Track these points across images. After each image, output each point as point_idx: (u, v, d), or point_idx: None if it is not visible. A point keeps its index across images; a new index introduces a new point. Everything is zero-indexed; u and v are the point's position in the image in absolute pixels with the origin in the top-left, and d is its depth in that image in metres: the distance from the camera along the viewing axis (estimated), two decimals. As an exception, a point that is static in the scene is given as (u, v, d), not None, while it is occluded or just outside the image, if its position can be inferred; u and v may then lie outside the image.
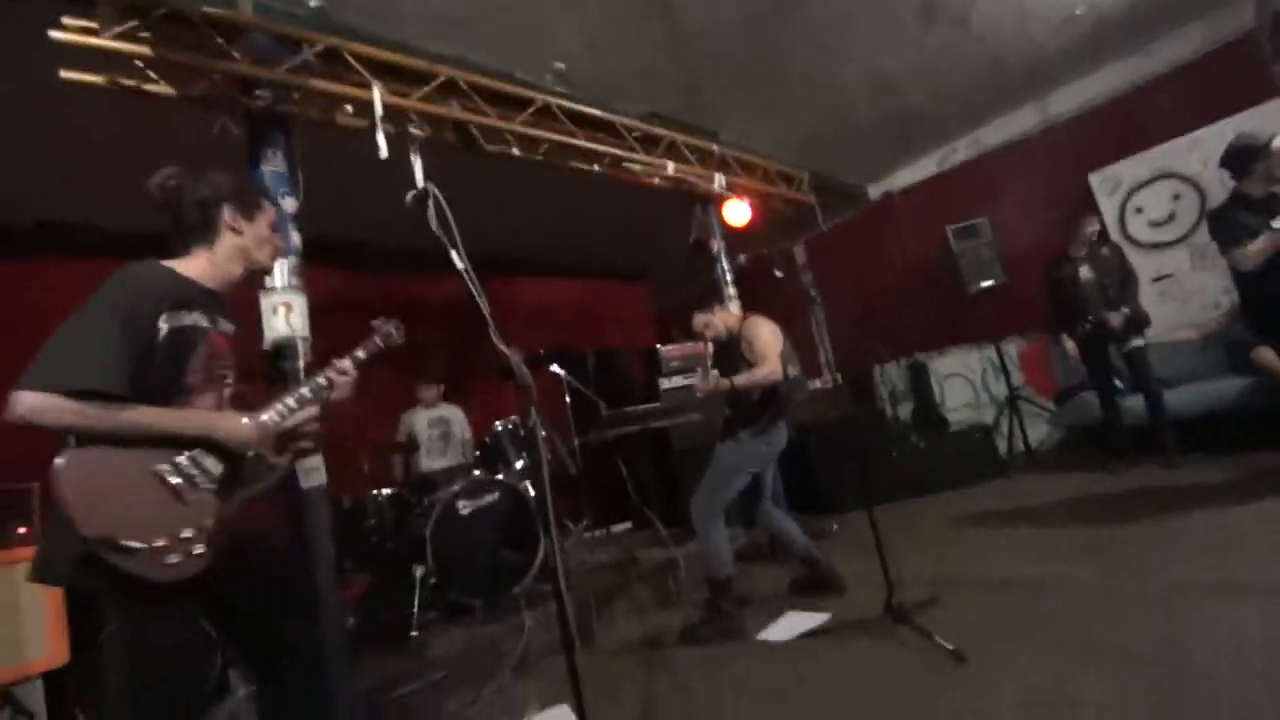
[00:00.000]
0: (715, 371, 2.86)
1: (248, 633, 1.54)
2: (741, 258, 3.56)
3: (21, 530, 2.37)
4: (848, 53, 4.12)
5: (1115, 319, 3.92)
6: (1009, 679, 1.79)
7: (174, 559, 1.29)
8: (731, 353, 2.91)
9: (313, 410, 1.64)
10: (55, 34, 2.17)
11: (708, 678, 2.29)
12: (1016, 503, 3.80)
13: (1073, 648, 1.91)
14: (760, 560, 3.67)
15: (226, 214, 1.57)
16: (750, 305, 3.46)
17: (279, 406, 1.56)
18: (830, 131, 5.23)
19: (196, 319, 1.46)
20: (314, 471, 2.20)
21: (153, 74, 2.34)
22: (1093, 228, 4.20)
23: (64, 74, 2.26)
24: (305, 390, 1.61)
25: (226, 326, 1.58)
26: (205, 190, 1.56)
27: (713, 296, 3.00)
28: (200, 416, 1.42)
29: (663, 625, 2.93)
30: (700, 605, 2.95)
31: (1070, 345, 4.16)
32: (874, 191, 6.78)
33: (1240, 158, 2.91)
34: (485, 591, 2.97)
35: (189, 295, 1.47)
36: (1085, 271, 4.11)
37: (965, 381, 5.99)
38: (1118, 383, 4.16)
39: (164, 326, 1.38)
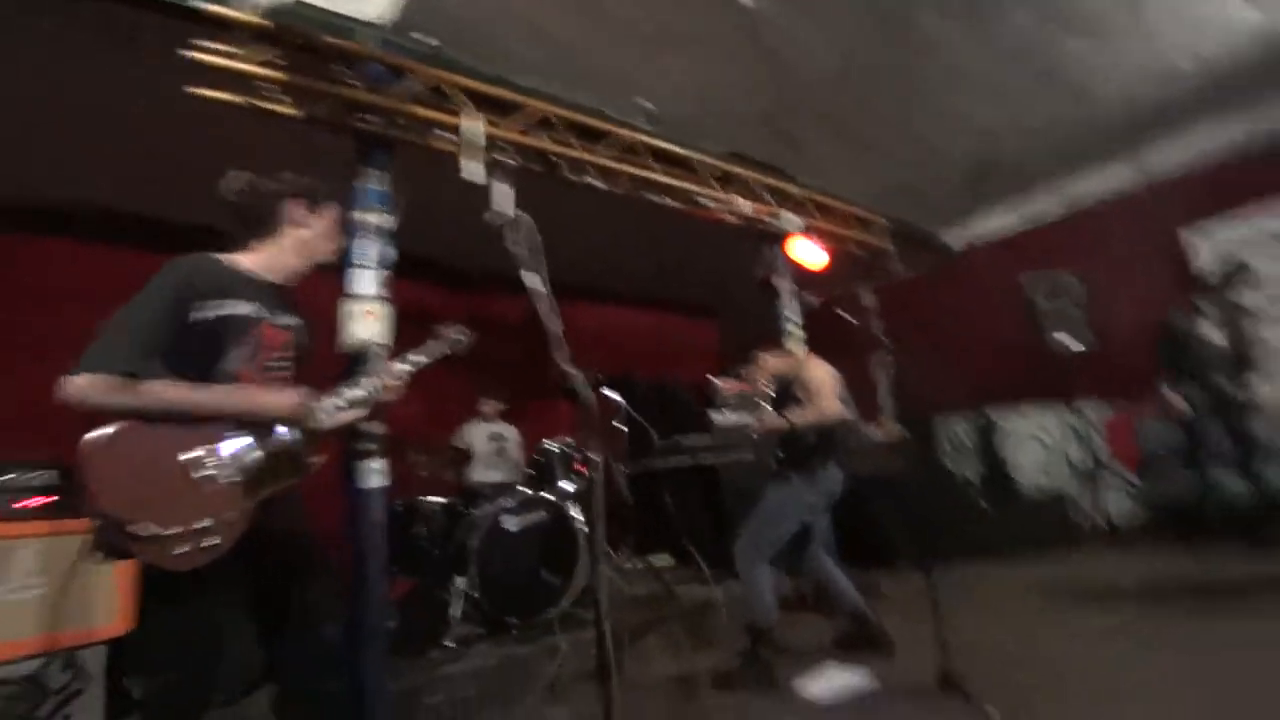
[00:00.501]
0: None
1: (280, 622, 1.54)
2: (812, 299, 3.52)
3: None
4: (941, 106, 4.07)
5: (1235, 388, 3.60)
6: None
7: (182, 549, 1.29)
8: (787, 394, 2.87)
9: (363, 411, 1.65)
10: (194, 54, 2.39)
11: (740, 727, 2.21)
12: (1089, 579, 3.52)
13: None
14: (804, 610, 3.53)
15: (291, 208, 1.63)
16: (817, 349, 3.40)
17: (330, 400, 1.57)
18: (914, 179, 5.14)
19: (246, 309, 1.48)
20: (375, 473, 2.30)
21: (271, 94, 2.58)
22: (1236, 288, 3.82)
23: (193, 90, 2.46)
24: (359, 390, 1.63)
25: (286, 320, 1.60)
26: (272, 185, 1.62)
27: (773, 337, 2.98)
28: (234, 393, 1.43)
29: (696, 666, 2.85)
30: (737, 651, 2.86)
31: (1176, 398, 3.76)
32: (953, 241, 6.57)
33: None
34: (522, 610, 2.99)
35: (239, 285, 1.50)
36: (1210, 330, 3.76)
37: (1040, 445, 5.62)
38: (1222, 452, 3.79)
39: (207, 314, 1.41)
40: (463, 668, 2.58)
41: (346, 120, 2.63)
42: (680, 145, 3.71)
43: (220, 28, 2.45)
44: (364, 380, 1.67)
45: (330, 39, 2.58)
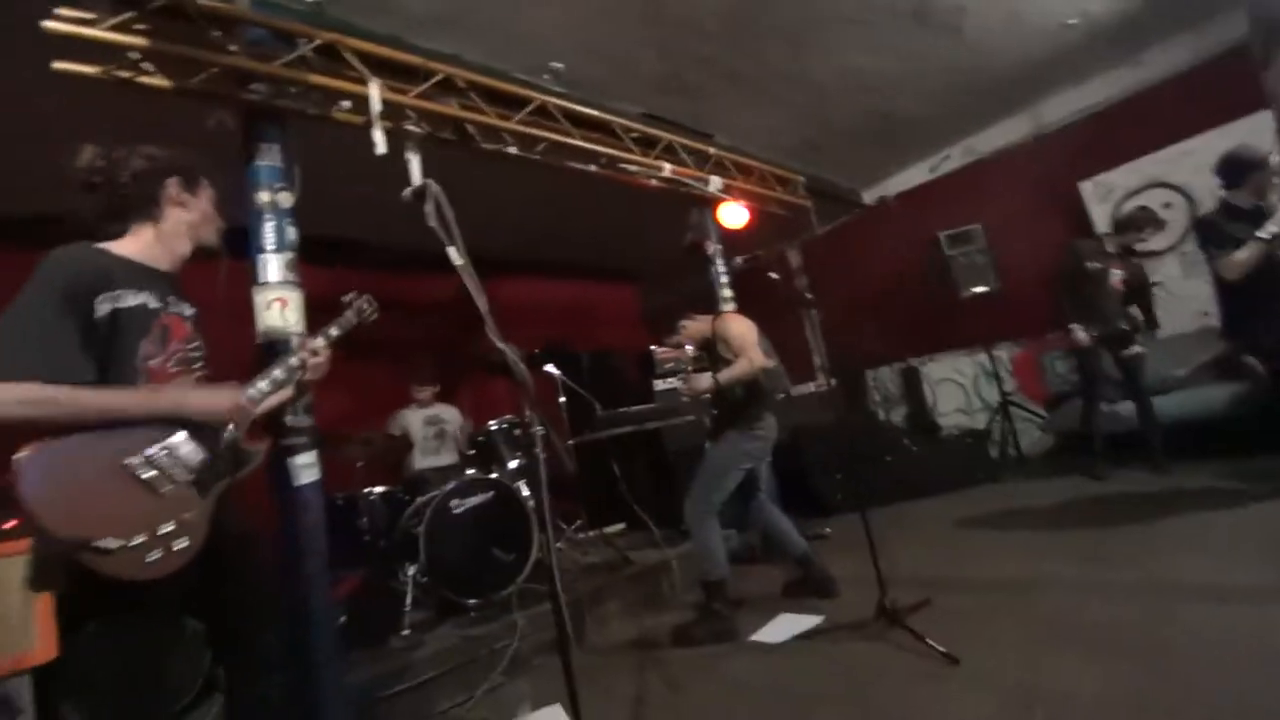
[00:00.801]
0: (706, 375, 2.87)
1: (224, 629, 1.51)
2: (738, 260, 3.56)
3: (9, 525, 2.31)
4: (825, 53, 4.12)
5: (1126, 324, 3.91)
6: (1000, 678, 1.80)
7: (155, 555, 1.24)
8: (713, 354, 2.94)
9: (287, 393, 1.63)
10: (49, 24, 2.13)
11: (701, 678, 2.30)
12: (1008, 506, 3.84)
13: (1062, 645, 1.93)
14: (754, 562, 3.68)
15: (171, 188, 1.50)
16: (746, 308, 3.46)
17: (255, 387, 1.52)
18: (819, 134, 5.25)
19: (143, 299, 1.39)
20: (308, 468, 2.18)
21: (148, 66, 2.32)
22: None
23: (57, 65, 2.22)
24: (278, 372, 1.57)
25: (182, 308, 1.51)
26: (143, 163, 1.48)
27: (686, 307, 3.05)
28: (167, 394, 1.36)
29: (656, 626, 2.93)
30: (693, 606, 2.95)
31: (1082, 334, 3.99)
32: (868, 196, 6.83)
33: (1236, 168, 2.95)
34: (477, 591, 2.95)
35: (129, 275, 1.39)
36: (1115, 273, 4.03)
37: (957, 387, 6.04)
38: (1111, 384, 4.18)
39: (104, 308, 1.30)
40: (423, 654, 2.54)
41: (230, 92, 2.39)
42: (595, 107, 3.62)
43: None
44: (283, 360, 1.61)
45: (202, 1, 2.32)
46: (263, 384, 1.53)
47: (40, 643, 2.16)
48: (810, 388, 5.35)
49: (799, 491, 4.69)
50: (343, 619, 2.90)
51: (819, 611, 2.64)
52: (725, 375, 2.73)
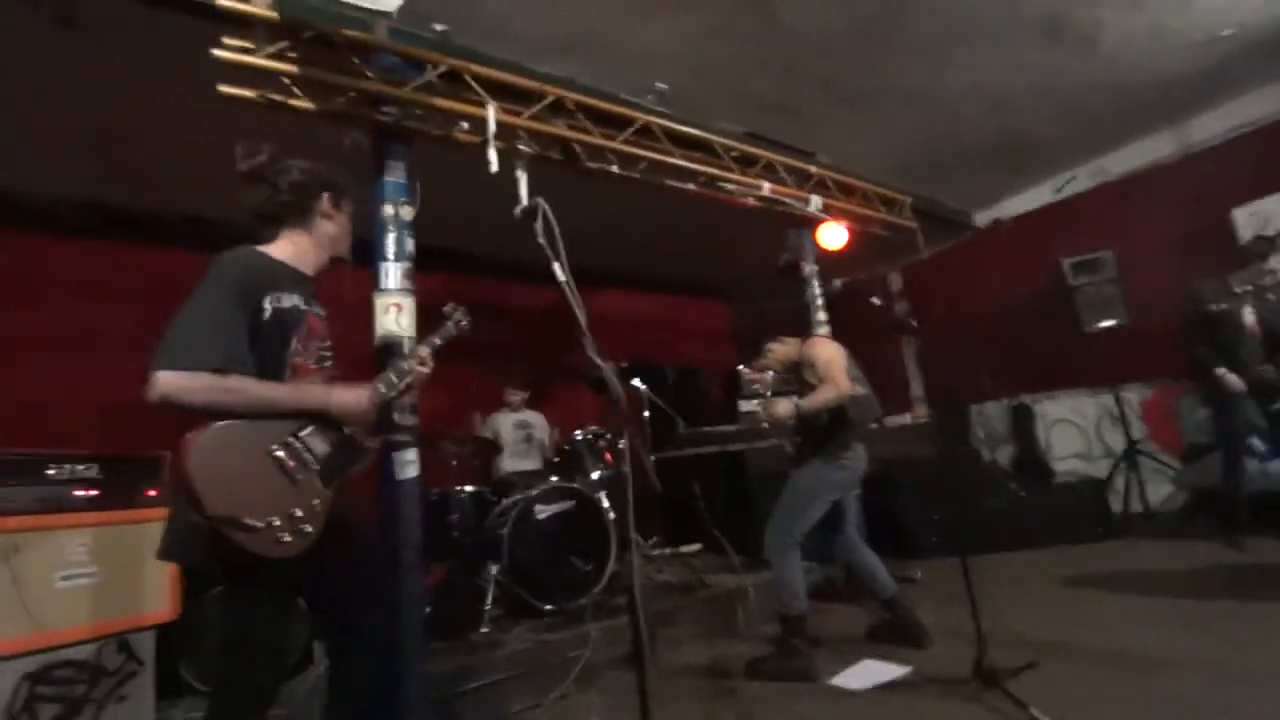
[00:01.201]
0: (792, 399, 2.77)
1: (330, 609, 1.62)
2: (836, 283, 3.45)
3: (151, 493, 2.59)
4: (958, 69, 3.93)
5: (1272, 375, 3.44)
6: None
7: (287, 537, 1.36)
8: (800, 379, 2.84)
9: (402, 393, 1.72)
10: (218, 53, 2.41)
11: (773, 716, 2.20)
12: (1129, 567, 3.44)
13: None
14: (836, 600, 3.51)
15: (324, 201, 1.65)
16: (842, 332, 3.34)
17: (377, 389, 1.63)
18: (935, 153, 5.00)
19: (295, 301, 1.53)
20: (410, 464, 2.32)
21: (297, 90, 2.59)
22: (1269, 263, 3.61)
23: (223, 89, 2.52)
24: (393, 376, 1.68)
25: (319, 309, 1.65)
26: (302, 174, 1.63)
27: (777, 329, 2.97)
28: (316, 391, 1.50)
29: (728, 655, 2.85)
30: (769, 639, 2.85)
31: (1234, 379, 3.54)
32: (981, 219, 6.40)
33: None
34: (554, 596, 3.01)
35: (285, 278, 1.54)
36: (1249, 314, 3.60)
37: (1076, 429, 5.49)
38: (1256, 443, 3.66)
39: (268, 308, 1.45)
40: (499, 654, 2.61)
41: (365, 113, 2.62)
42: (696, 127, 3.64)
43: (232, 23, 2.45)
44: (396, 364, 1.73)
45: (344, 30, 2.57)
46: (382, 387, 1.65)
47: (166, 604, 2.42)
48: (907, 419, 5.08)
49: (889, 529, 4.42)
50: (426, 609, 3.03)
51: (906, 661, 2.47)
52: (808, 402, 2.64)
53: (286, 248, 1.62)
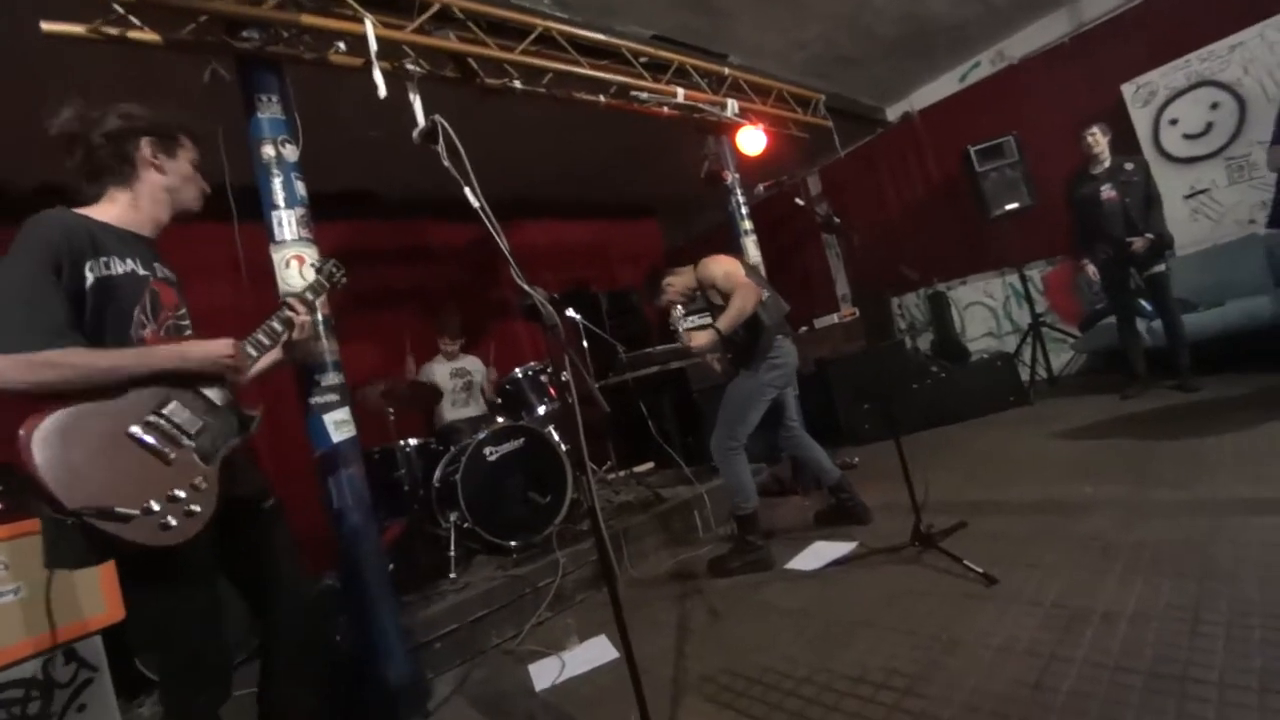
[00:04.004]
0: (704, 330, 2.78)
1: (246, 578, 1.54)
2: (759, 188, 3.41)
3: None
4: None
5: (1138, 243, 3.76)
6: (1040, 597, 1.81)
7: (172, 521, 1.23)
8: (710, 302, 2.86)
9: (276, 354, 1.63)
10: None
11: (739, 606, 2.36)
12: (1040, 428, 3.79)
13: (1102, 563, 1.93)
14: (784, 494, 3.73)
15: (145, 149, 1.43)
16: (768, 238, 3.35)
17: (248, 341, 1.52)
18: (846, 46, 4.91)
19: (130, 266, 1.35)
20: (343, 425, 2.22)
21: (135, 20, 2.21)
22: (1093, 138, 3.99)
23: (45, 26, 2.13)
24: (262, 334, 1.56)
25: (166, 274, 1.48)
26: (117, 122, 1.39)
27: (721, 236, 2.95)
28: (167, 348, 1.34)
29: (692, 559, 3.01)
30: (727, 539, 3.02)
31: (1091, 269, 4.05)
32: (893, 113, 6.46)
33: None
34: (518, 533, 3.04)
35: (117, 240, 1.36)
36: (1107, 190, 3.92)
37: (987, 310, 5.89)
38: (1143, 304, 4.04)
39: (90, 276, 1.27)
40: (470, 594, 2.64)
41: (221, 40, 2.28)
42: (601, 31, 3.40)
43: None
44: (266, 322, 1.59)
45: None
46: (250, 348, 1.52)
47: (108, 605, 2.29)
48: (834, 318, 5.26)
49: (827, 422, 4.69)
50: (391, 567, 3.01)
51: (853, 539, 2.68)
52: (724, 324, 2.65)
53: (109, 207, 1.40)
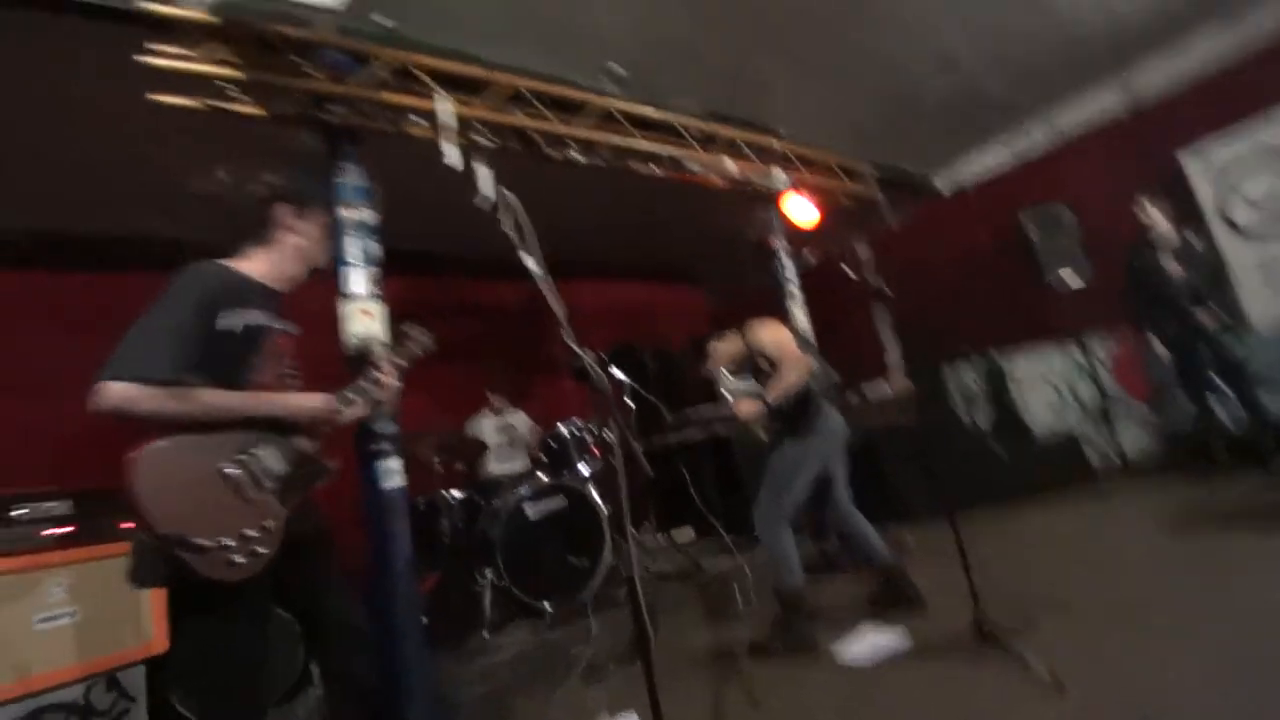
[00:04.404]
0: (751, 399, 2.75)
1: (309, 620, 1.61)
2: (807, 255, 3.44)
3: (125, 525, 2.49)
4: (908, 31, 3.92)
5: (1206, 318, 3.55)
6: (1112, 706, 1.63)
7: (239, 559, 1.31)
8: (757, 367, 2.80)
9: (361, 411, 1.69)
10: (147, 59, 2.28)
11: (780, 694, 2.21)
12: (1111, 516, 3.53)
13: (1178, 669, 1.74)
14: (832, 571, 3.55)
15: (283, 213, 1.60)
16: (815, 306, 3.34)
17: (337, 398, 1.60)
18: (892, 118, 5.00)
19: (259, 318, 1.49)
20: (394, 473, 2.26)
21: (237, 93, 2.46)
22: (1143, 211, 3.84)
23: (152, 96, 2.36)
24: (350, 394, 1.64)
25: (288, 327, 1.61)
26: (259, 189, 1.59)
27: (773, 298, 2.95)
28: (272, 397, 1.46)
29: (730, 637, 2.86)
30: (769, 618, 2.87)
31: (1159, 346, 3.82)
32: (942, 183, 6.47)
33: None
34: (552, 595, 2.98)
35: (250, 293, 1.50)
36: (1168, 262, 3.73)
37: (1048, 385, 5.61)
38: (1219, 382, 3.78)
39: (229, 324, 1.42)
40: (500, 657, 2.58)
41: (313, 114, 2.52)
42: (656, 107, 3.58)
43: (167, 29, 2.31)
44: (359, 383, 1.68)
45: (284, 29, 2.45)
46: (342, 405, 1.61)
47: (155, 635, 2.35)
48: (885, 388, 5.12)
49: (877, 497, 4.47)
50: (425, 620, 2.99)
51: (905, 625, 2.50)
52: (772, 395, 2.61)
53: (249, 262, 1.57)
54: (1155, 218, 3.83)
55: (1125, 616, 2.22)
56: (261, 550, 1.35)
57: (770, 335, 2.75)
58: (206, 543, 1.27)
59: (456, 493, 3.50)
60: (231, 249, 1.58)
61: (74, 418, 3.66)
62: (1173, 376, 4.14)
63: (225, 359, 1.41)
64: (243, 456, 1.38)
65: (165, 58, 2.31)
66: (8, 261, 3.75)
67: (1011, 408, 5.60)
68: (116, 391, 1.26)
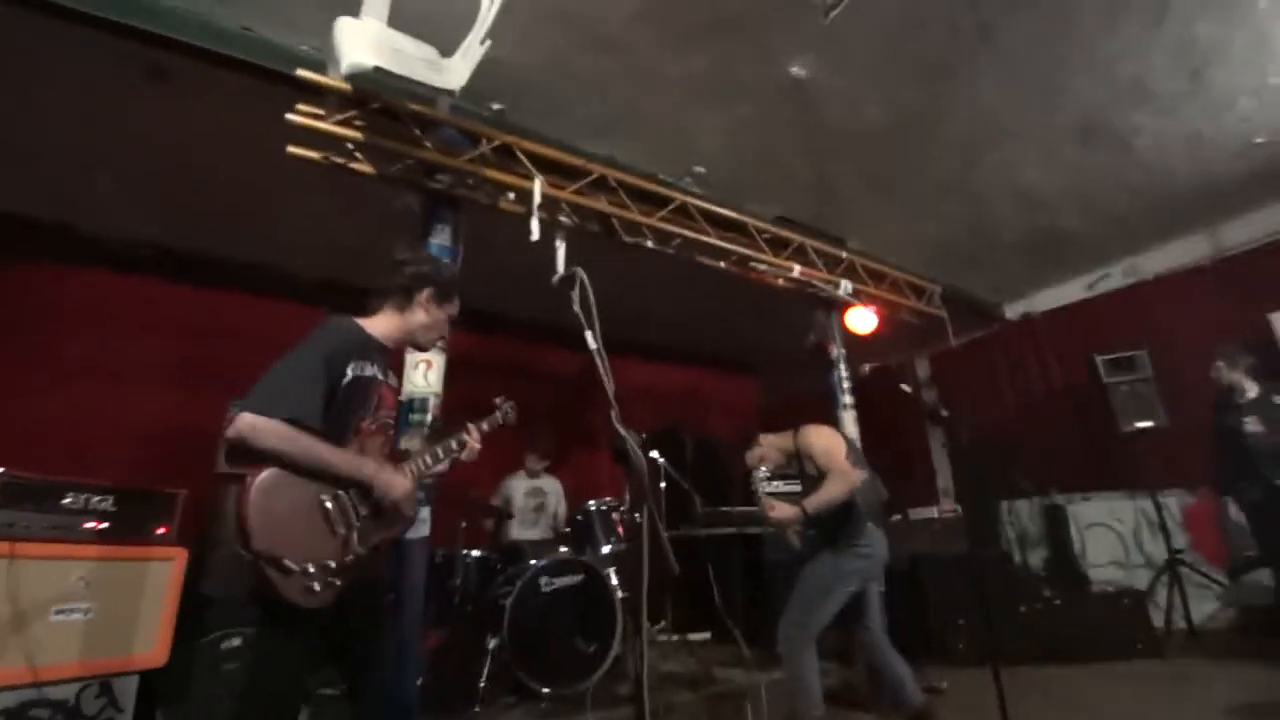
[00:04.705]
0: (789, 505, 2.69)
1: (347, 662, 1.64)
2: (864, 367, 3.42)
3: (160, 530, 2.54)
4: (993, 166, 4.03)
5: None
6: None
7: (316, 586, 1.42)
8: (801, 471, 2.77)
9: (442, 469, 1.85)
10: (292, 117, 2.60)
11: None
12: (1173, 689, 3.15)
13: None
14: (856, 706, 3.26)
15: (425, 295, 1.80)
16: (868, 417, 3.28)
17: (420, 463, 1.74)
18: (967, 245, 5.06)
19: (375, 371, 1.67)
20: (421, 523, 2.28)
21: (358, 154, 2.75)
22: (1217, 372, 3.74)
23: (292, 149, 2.69)
24: (439, 451, 1.83)
25: (394, 381, 1.80)
26: (421, 266, 1.82)
27: (824, 403, 2.92)
28: (368, 465, 1.59)
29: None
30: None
31: (1235, 510, 3.54)
32: (1011, 311, 6.37)
33: None
34: (553, 678, 2.85)
35: (372, 349, 1.69)
36: (1252, 424, 3.53)
37: (1113, 534, 5.19)
38: None
39: (350, 374, 1.58)
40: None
41: (419, 179, 2.77)
42: (731, 208, 3.76)
43: (308, 91, 2.64)
44: (445, 443, 1.87)
45: (409, 104, 2.75)
46: (426, 460, 1.78)
47: (157, 648, 2.33)
48: (933, 512, 4.86)
49: (915, 632, 4.15)
50: (420, 679, 2.90)
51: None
52: (813, 502, 2.54)
53: (380, 323, 1.77)
54: (1231, 378, 3.65)
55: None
56: (336, 581, 1.47)
57: (823, 443, 2.70)
58: (294, 566, 1.39)
59: (475, 551, 3.46)
60: (370, 304, 1.78)
61: (145, 419, 3.88)
62: (1252, 544, 3.80)
63: (342, 406, 1.56)
64: (341, 493, 1.53)
65: (304, 116, 2.62)
66: (124, 265, 4.14)
67: (1069, 553, 5.18)
68: (250, 422, 1.40)
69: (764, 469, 2.87)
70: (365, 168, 2.69)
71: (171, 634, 2.38)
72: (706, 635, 4.12)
